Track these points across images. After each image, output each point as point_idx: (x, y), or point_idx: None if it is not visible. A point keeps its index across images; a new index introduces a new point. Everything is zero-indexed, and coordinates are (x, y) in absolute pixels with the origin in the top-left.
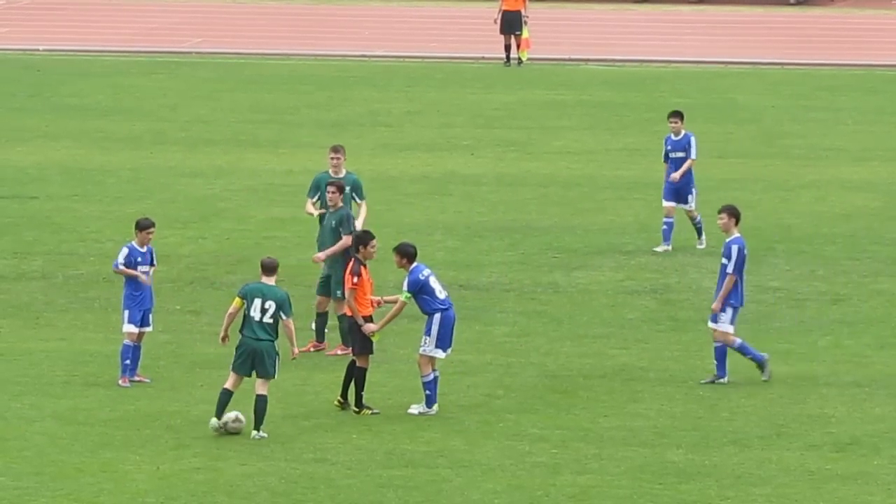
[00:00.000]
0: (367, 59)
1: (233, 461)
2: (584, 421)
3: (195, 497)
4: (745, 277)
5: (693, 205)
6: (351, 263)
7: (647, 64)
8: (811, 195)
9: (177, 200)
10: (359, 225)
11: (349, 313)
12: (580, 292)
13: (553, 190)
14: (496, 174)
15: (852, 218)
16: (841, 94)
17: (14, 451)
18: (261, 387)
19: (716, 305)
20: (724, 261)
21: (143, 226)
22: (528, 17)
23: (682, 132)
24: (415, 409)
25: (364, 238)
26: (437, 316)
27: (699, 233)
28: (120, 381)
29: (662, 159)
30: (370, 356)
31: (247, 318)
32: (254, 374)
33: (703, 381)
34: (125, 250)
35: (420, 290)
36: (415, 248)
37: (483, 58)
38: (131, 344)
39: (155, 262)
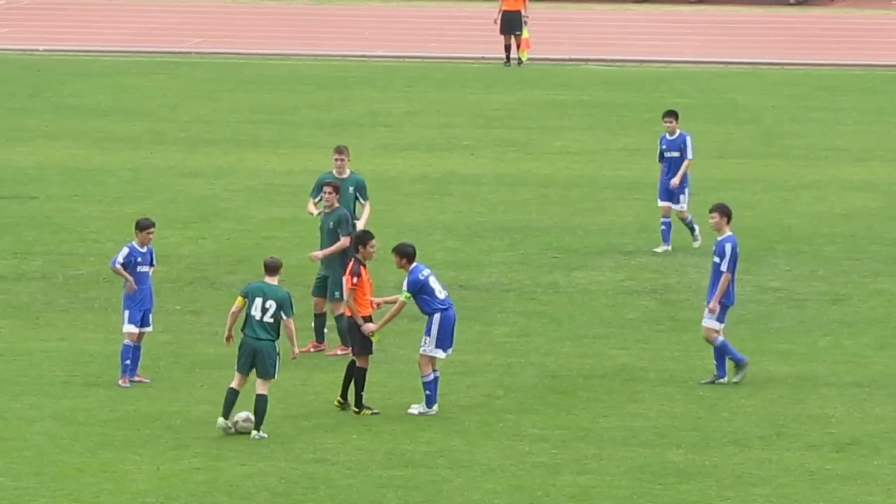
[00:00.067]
0: (367, 59)
1: (233, 461)
2: (584, 421)
3: (195, 497)
4: (735, 276)
5: (685, 206)
6: (350, 264)
7: (647, 64)
8: (811, 195)
9: (177, 200)
10: (361, 225)
11: (348, 313)
12: (580, 292)
13: (553, 190)
14: (496, 174)
15: (852, 218)
16: (841, 94)
17: (14, 451)
18: (261, 387)
19: (713, 305)
20: (716, 259)
21: (143, 226)
22: (528, 17)
23: (678, 132)
24: (415, 410)
25: (363, 238)
26: (437, 316)
27: (692, 231)
28: (120, 382)
29: (657, 159)
30: (370, 356)
31: (248, 317)
32: (254, 373)
33: (703, 382)
34: (125, 250)
35: (420, 290)
36: (414, 249)
37: (483, 58)
38: (131, 344)
39: (155, 262)
